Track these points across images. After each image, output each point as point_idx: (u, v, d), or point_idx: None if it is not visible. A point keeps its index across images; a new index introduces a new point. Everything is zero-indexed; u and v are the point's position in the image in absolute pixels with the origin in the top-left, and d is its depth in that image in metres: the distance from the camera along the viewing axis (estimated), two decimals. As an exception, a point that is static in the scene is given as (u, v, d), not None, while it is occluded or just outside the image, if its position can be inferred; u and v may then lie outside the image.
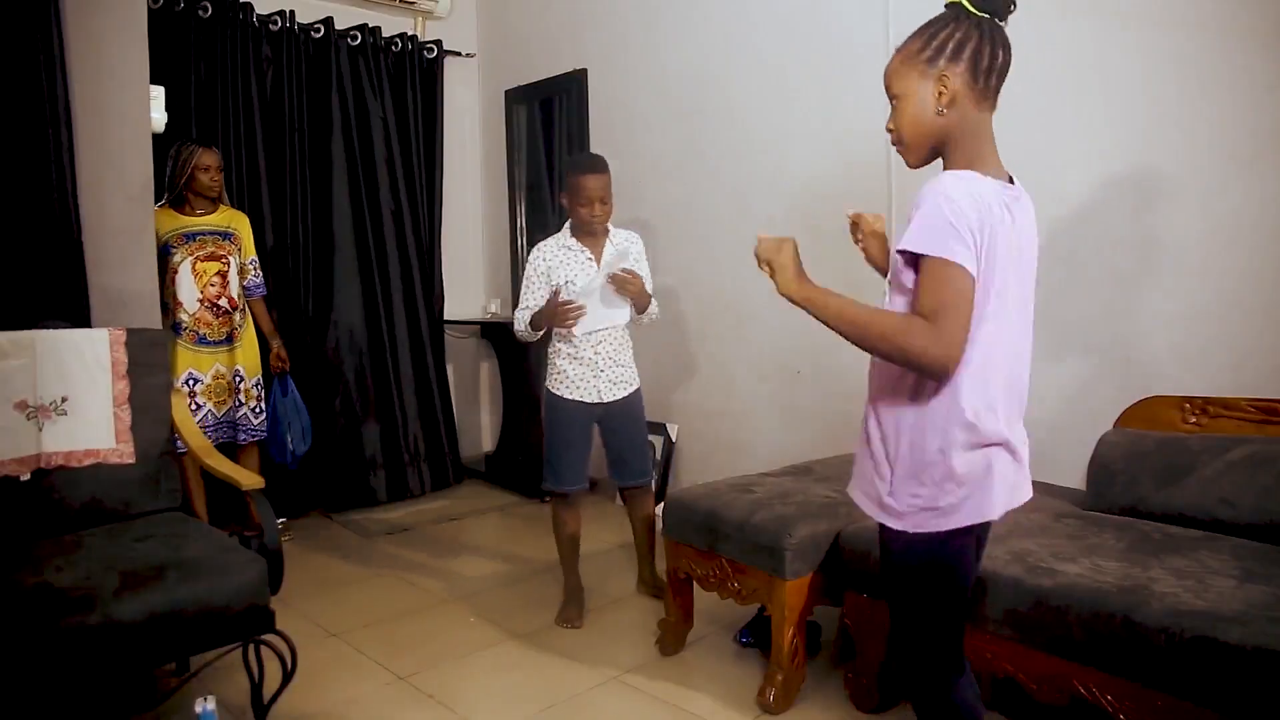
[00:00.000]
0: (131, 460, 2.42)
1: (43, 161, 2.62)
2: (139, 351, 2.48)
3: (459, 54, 4.89)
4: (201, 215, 3.46)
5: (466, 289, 5.08)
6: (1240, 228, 2.43)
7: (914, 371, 1.36)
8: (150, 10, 3.16)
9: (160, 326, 2.82)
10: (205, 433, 3.37)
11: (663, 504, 2.74)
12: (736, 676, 2.51)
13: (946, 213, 1.29)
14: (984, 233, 1.31)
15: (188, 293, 3.37)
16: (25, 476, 2.29)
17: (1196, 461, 2.26)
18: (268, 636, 2.05)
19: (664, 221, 4.00)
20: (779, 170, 3.59)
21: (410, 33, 4.63)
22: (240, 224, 3.58)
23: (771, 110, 3.59)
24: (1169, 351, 2.57)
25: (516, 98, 4.87)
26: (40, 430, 2.32)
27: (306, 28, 4.23)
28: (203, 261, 3.41)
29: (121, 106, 2.81)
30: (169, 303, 3.33)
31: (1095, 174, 2.69)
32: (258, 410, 3.55)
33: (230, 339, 3.47)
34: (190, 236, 3.41)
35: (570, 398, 2.87)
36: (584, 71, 4.40)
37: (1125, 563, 1.93)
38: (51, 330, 2.41)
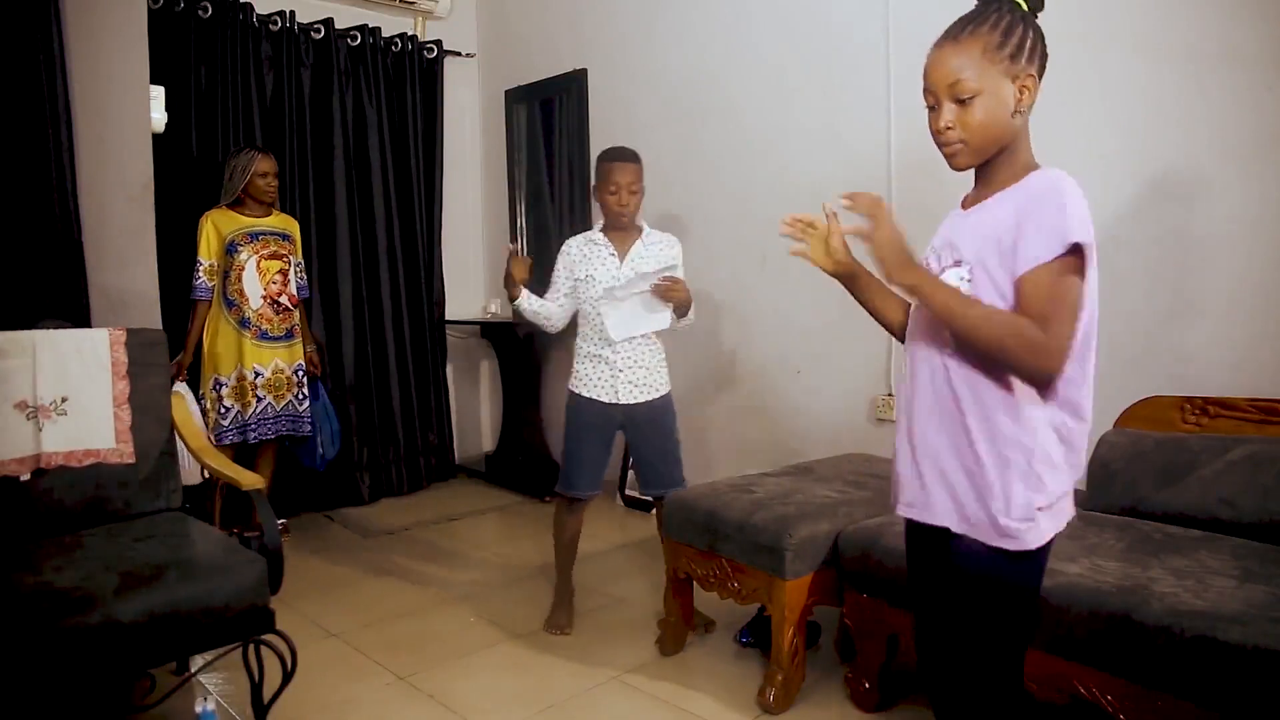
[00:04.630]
0: (131, 460, 2.42)
1: (43, 161, 2.62)
2: (139, 351, 2.48)
3: (459, 54, 4.89)
4: (260, 217, 3.59)
5: (466, 289, 5.08)
6: (1240, 228, 2.43)
7: (1016, 374, 1.28)
8: (150, 10, 3.17)
9: (160, 326, 2.82)
10: (265, 426, 3.52)
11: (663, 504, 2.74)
12: (736, 676, 2.50)
13: (1084, 213, 1.24)
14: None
15: (252, 289, 3.51)
16: (25, 476, 2.28)
17: (1196, 461, 2.26)
18: (268, 636, 2.05)
19: (664, 221, 3.99)
20: (779, 170, 3.59)
21: (410, 33, 4.63)
22: (293, 228, 3.74)
23: (771, 110, 3.59)
24: (1169, 351, 2.57)
25: (516, 98, 4.87)
26: (40, 430, 2.32)
27: (306, 28, 4.23)
28: (266, 260, 3.55)
29: (121, 106, 2.81)
30: (235, 299, 3.49)
31: (1095, 175, 2.68)
32: (308, 408, 3.70)
33: (290, 335, 3.62)
34: (254, 236, 3.54)
35: (586, 395, 2.77)
36: (584, 71, 4.40)
37: (1125, 563, 1.93)
38: (51, 330, 2.41)
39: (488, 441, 5.17)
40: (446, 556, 3.65)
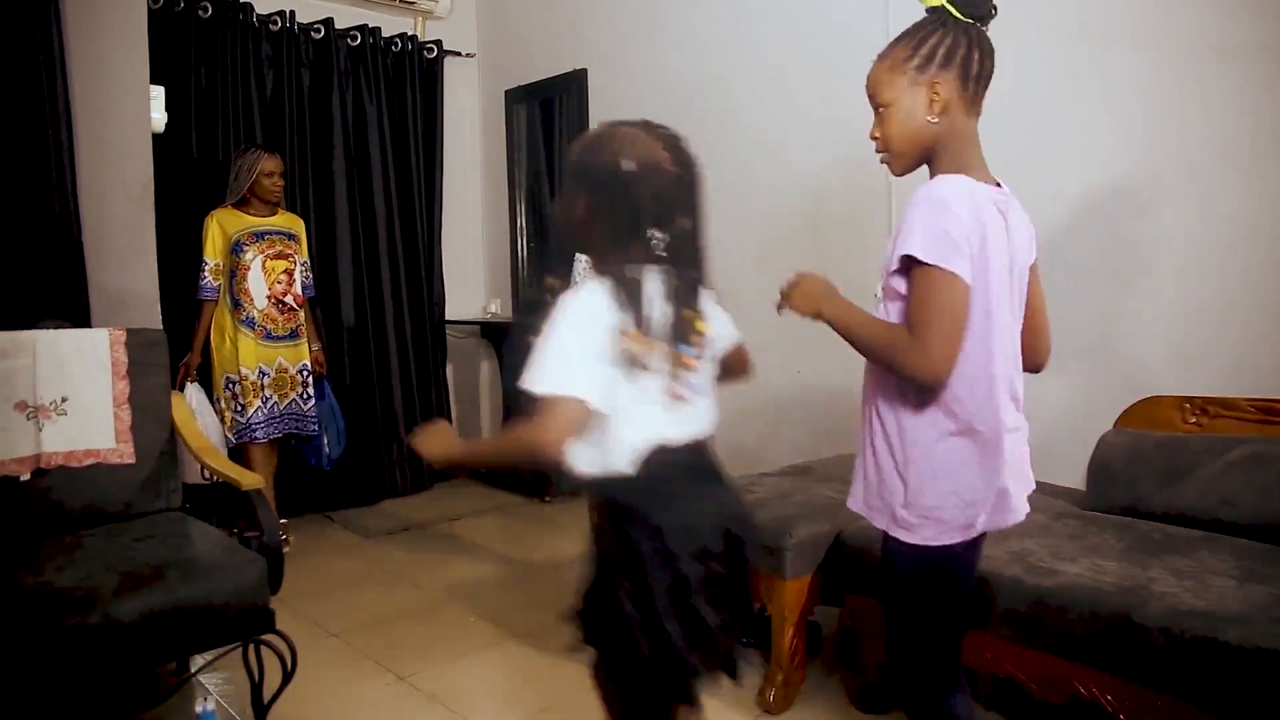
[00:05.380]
0: (131, 460, 2.42)
1: (43, 161, 2.62)
2: (139, 351, 2.48)
3: (459, 54, 4.89)
4: (265, 216, 3.58)
5: (466, 289, 5.08)
6: (1240, 228, 2.42)
7: (905, 380, 1.36)
8: (150, 10, 3.16)
9: (160, 326, 2.82)
10: (273, 425, 3.53)
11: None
12: (736, 676, 2.50)
13: (944, 221, 1.28)
14: (979, 238, 1.30)
15: (257, 289, 3.51)
16: (25, 476, 2.29)
17: (1196, 461, 2.26)
18: (268, 636, 2.05)
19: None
20: (779, 170, 3.59)
21: (410, 33, 4.62)
22: (299, 227, 3.73)
23: (772, 110, 3.59)
24: (1169, 351, 2.57)
25: (516, 98, 4.86)
26: (40, 430, 2.32)
27: (306, 28, 4.22)
28: (272, 260, 3.54)
29: (121, 106, 2.81)
30: (240, 299, 3.49)
31: (1095, 175, 2.69)
32: (312, 407, 3.71)
33: (295, 334, 3.62)
34: (260, 235, 3.53)
35: None
36: (584, 71, 4.40)
37: (1125, 563, 1.93)
38: (51, 330, 2.41)
39: (488, 441, 5.17)
40: (446, 556, 3.65)
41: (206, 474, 2.52)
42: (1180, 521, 2.20)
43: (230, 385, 3.50)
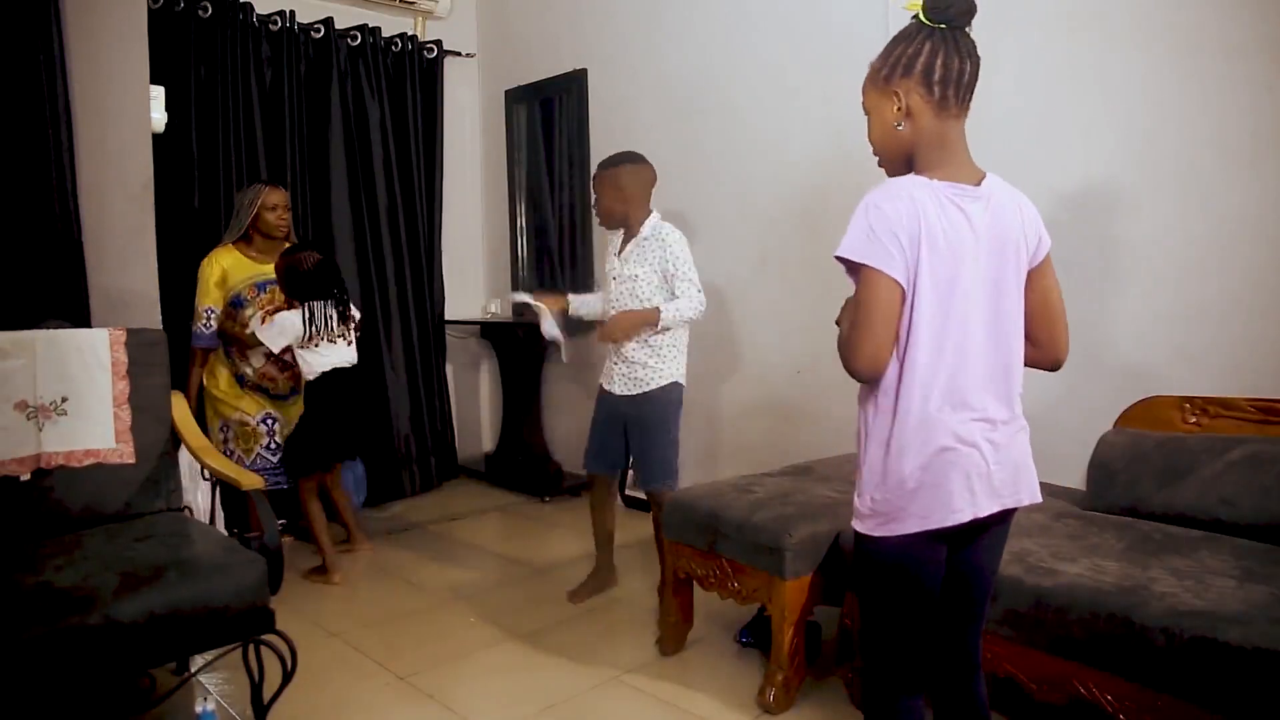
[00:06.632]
0: (131, 460, 2.42)
1: (43, 161, 2.62)
2: (139, 351, 2.48)
3: (459, 54, 4.89)
4: (272, 260, 3.34)
5: (466, 289, 5.08)
6: (1240, 228, 2.43)
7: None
8: (150, 10, 3.16)
9: (160, 326, 2.82)
10: (271, 475, 3.37)
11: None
12: (736, 676, 2.51)
13: (869, 221, 1.34)
14: (917, 236, 1.33)
15: (255, 348, 3.35)
16: (25, 476, 2.29)
17: (1196, 461, 2.26)
18: (268, 636, 2.05)
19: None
20: (779, 170, 3.59)
21: (410, 33, 4.62)
22: None
23: (772, 110, 3.59)
24: (1169, 351, 2.57)
25: (516, 98, 4.86)
26: (40, 430, 2.32)
27: (306, 28, 4.22)
28: (271, 316, 3.32)
29: (121, 106, 2.81)
30: (232, 356, 3.40)
31: (1096, 175, 2.69)
32: None
33: (296, 390, 3.47)
34: (261, 287, 3.39)
35: (599, 381, 3.03)
36: (584, 71, 4.40)
37: (1125, 563, 1.93)
38: (51, 330, 2.41)
39: (488, 441, 5.17)
40: (446, 556, 3.65)
41: (206, 474, 2.52)
42: (1180, 521, 2.20)
43: (225, 429, 3.41)
